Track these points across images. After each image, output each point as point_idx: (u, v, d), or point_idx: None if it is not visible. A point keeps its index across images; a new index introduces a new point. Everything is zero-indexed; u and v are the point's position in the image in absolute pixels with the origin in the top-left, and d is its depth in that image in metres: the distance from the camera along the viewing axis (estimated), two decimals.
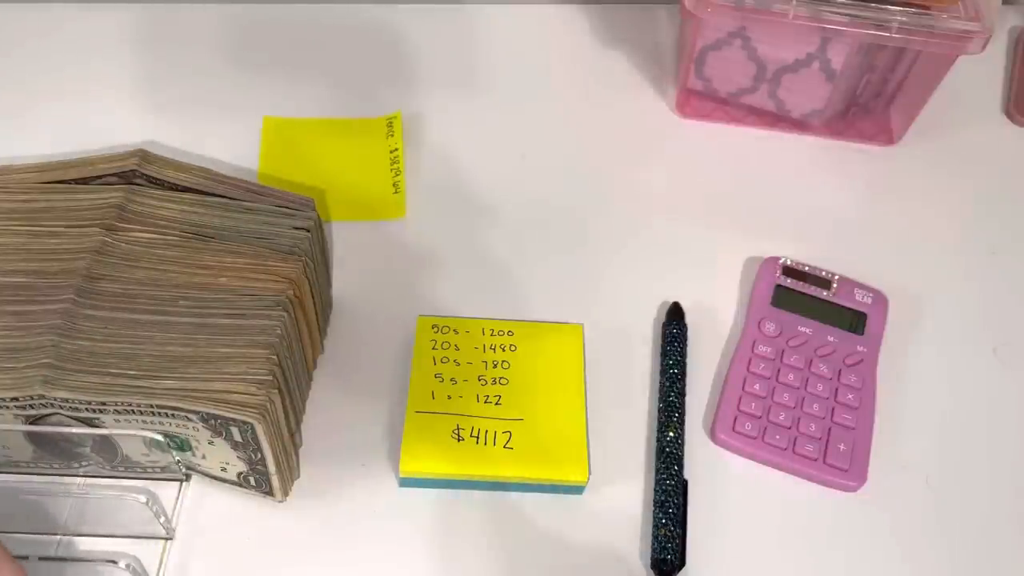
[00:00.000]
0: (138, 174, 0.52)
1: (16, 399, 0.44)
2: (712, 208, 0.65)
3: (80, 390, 0.44)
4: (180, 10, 0.74)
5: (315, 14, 0.75)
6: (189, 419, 0.45)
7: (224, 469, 0.49)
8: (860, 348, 0.57)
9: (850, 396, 0.55)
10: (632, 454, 0.54)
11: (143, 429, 0.46)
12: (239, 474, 0.49)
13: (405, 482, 0.52)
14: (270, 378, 0.45)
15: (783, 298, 0.59)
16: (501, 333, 0.56)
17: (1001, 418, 0.57)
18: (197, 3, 0.74)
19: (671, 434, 0.53)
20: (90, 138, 0.64)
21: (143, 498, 0.46)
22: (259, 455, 0.47)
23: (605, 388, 0.56)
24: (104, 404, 0.44)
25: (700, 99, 0.71)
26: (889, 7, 0.60)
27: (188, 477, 0.51)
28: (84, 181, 0.52)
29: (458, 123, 0.69)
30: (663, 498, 0.51)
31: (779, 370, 0.56)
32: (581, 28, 0.76)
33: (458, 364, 0.55)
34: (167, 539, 0.49)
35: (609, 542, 0.51)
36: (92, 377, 0.44)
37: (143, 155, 0.52)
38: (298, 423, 0.52)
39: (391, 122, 0.68)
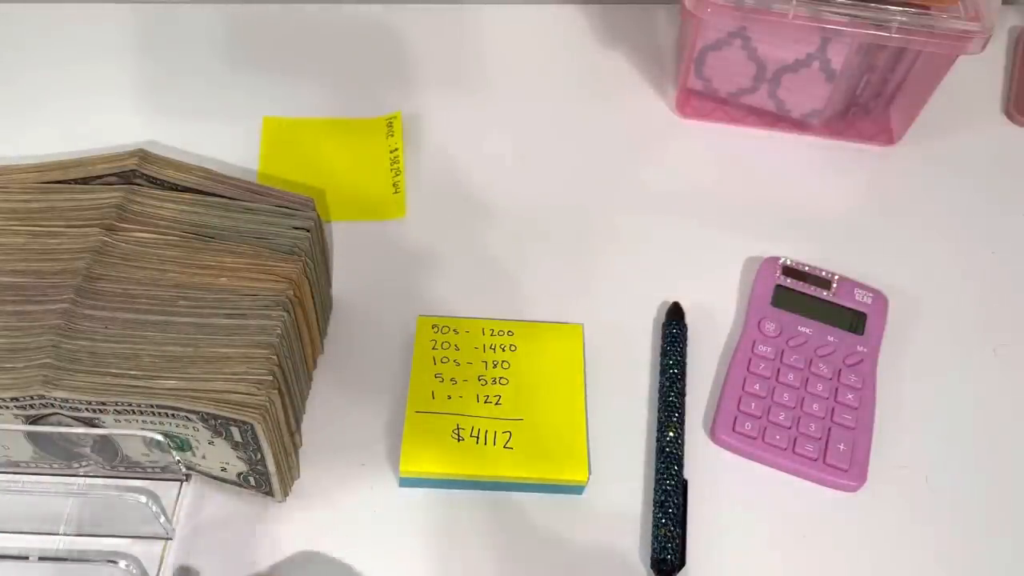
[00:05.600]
0: (138, 174, 0.52)
1: (16, 399, 0.44)
2: (712, 208, 0.65)
3: (80, 390, 0.44)
4: (180, 10, 0.74)
5: (315, 14, 0.75)
6: (189, 419, 0.45)
7: (224, 469, 0.49)
8: (860, 348, 0.57)
9: (850, 396, 0.56)
10: (632, 454, 0.54)
11: (143, 429, 0.46)
12: (239, 474, 0.49)
13: (405, 482, 0.52)
14: (270, 378, 0.45)
15: (783, 298, 0.59)
16: (501, 333, 0.56)
17: (1001, 418, 0.57)
18: (197, 3, 0.74)
19: (671, 434, 0.53)
20: (90, 138, 0.64)
21: (143, 498, 0.46)
22: (259, 455, 0.47)
23: (605, 388, 0.56)
24: (104, 404, 0.44)
25: (700, 99, 0.71)
26: (889, 7, 0.60)
27: (188, 477, 0.51)
28: (84, 181, 0.52)
29: (458, 123, 0.69)
30: (663, 498, 0.51)
31: (779, 370, 0.56)
32: (581, 28, 0.76)
33: (458, 364, 0.55)
34: (167, 539, 0.49)
35: (609, 542, 0.51)
36: (92, 377, 0.44)
37: (143, 155, 0.52)
38: (298, 423, 0.52)
39: (391, 122, 0.68)
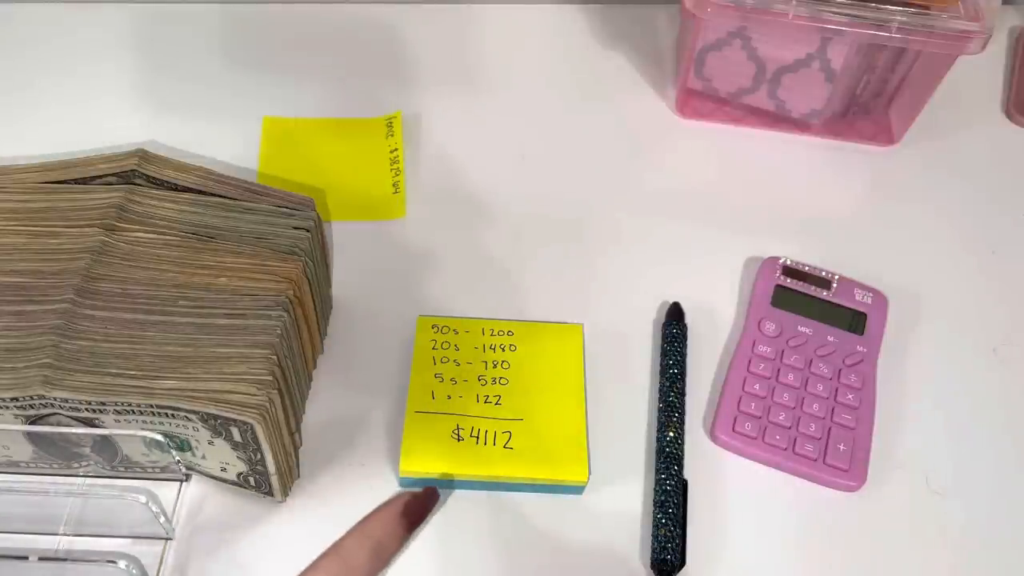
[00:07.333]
0: (138, 174, 0.52)
1: (16, 399, 0.44)
2: (712, 208, 0.65)
3: (80, 390, 0.44)
4: (180, 10, 0.74)
5: (315, 14, 0.75)
6: (189, 419, 0.45)
7: (224, 469, 0.49)
8: (860, 348, 0.57)
9: (850, 396, 0.55)
10: (632, 454, 0.54)
11: (143, 429, 0.46)
12: (239, 474, 0.49)
13: (405, 482, 0.52)
14: (270, 378, 0.45)
15: (783, 298, 0.59)
16: (501, 333, 0.56)
17: (1001, 418, 0.57)
18: (197, 3, 0.74)
19: (671, 434, 0.53)
20: (90, 138, 0.64)
21: (143, 498, 0.46)
22: (259, 455, 0.47)
23: (605, 388, 0.56)
24: (104, 404, 0.44)
25: (700, 99, 0.71)
26: (889, 7, 0.60)
27: (188, 477, 0.51)
28: (84, 181, 0.52)
29: (458, 123, 0.69)
30: (663, 498, 0.51)
31: (779, 370, 0.56)
32: (581, 28, 0.76)
33: (458, 364, 0.55)
34: (167, 539, 0.49)
35: (609, 542, 0.51)
36: (92, 377, 0.44)
37: (143, 155, 0.52)
38: (298, 423, 0.52)
39: (391, 122, 0.68)
